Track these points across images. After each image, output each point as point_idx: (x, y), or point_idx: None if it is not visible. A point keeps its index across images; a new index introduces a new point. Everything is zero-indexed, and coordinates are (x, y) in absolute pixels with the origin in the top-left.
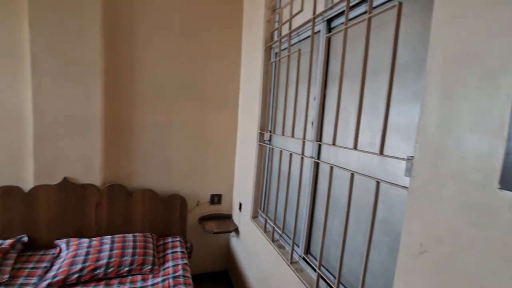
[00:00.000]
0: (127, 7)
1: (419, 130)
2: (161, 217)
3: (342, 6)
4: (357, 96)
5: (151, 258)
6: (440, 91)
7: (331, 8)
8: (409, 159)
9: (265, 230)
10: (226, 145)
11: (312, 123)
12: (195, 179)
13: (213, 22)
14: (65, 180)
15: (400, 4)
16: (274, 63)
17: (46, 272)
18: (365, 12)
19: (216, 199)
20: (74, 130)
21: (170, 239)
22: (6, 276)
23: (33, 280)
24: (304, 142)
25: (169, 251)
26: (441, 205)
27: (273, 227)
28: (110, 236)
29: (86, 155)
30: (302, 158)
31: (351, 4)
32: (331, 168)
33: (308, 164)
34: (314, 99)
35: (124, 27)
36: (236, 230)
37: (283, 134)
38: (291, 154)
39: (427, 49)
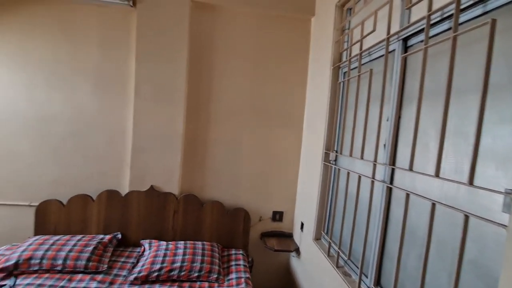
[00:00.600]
0: (208, 40)
1: None
2: (226, 228)
3: (421, 25)
4: (438, 118)
5: (217, 267)
6: None
7: (408, 27)
8: (509, 193)
9: (328, 254)
10: (290, 163)
11: (385, 145)
12: (259, 194)
13: (281, 47)
14: (152, 188)
15: (494, 21)
16: (342, 83)
17: (133, 267)
18: (448, 29)
19: (278, 216)
20: (161, 145)
21: (233, 251)
22: (105, 266)
23: (124, 272)
24: (375, 165)
25: (233, 263)
26: None
27: (338, 252)
28: (183, 242)
29: (169, 167)
30: (372, 181)
31: (431, 22)
32: (407, 195)
33: (379, 188)
34: (387, 120)
35: (205, 57)
36: (297, 250)
37: (351, 155)
38: (359, 177)
39: None
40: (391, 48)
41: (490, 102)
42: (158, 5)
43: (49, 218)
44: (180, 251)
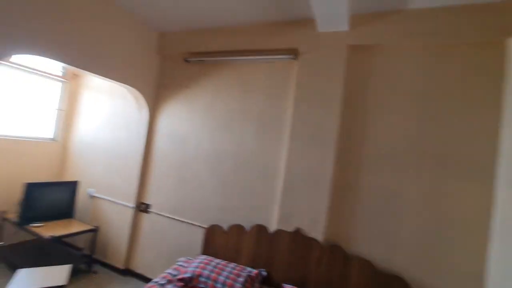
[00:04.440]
0: (364, 81)
1: None
2: None
3: None
4: None
5: None
6: None
7: None
8: None
9: None
10: (472, 227)
11: None
12: (424, 264)
13: (458, 79)
14: (297, 229)
15: None
16: None
17: None
18: None
19: None
20: (309, 187)
21: None
22: None
23: None
24: None
25: None
26: None
27: None
28: None
29: (315, 210)
30: None
31: None
32: None
33: None
34: None
35: (360, 98)
36: None
37: None
38: None
39: None
40: None
41: None
42: (317, 54)
43: (213, 240)
44: None
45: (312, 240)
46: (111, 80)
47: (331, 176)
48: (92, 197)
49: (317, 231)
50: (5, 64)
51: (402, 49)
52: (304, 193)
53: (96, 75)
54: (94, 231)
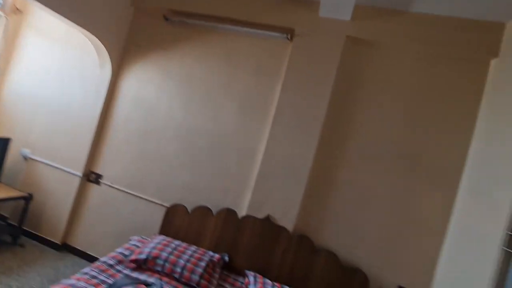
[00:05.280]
0: (357, 76)
1: None
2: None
3: None
4: None
5: None
6: None
7: None
8: None
9: None
10: (430, 229)
11: None
12: (383, 259)
13: (443, 91)
14: (267, 217)
15: None
16: None
17: None
18: None
19: None
20: (286, 175)
21: None
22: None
23: None
24: None
25: None
26: None
27: None
28: None
29: (288, 199)
30: None
31: None
32: None
33: None
34: None
35: (351, 93)
36: None
37: None
38: None
39: None
40: None
41: None
42: (313, 39)
43: (174, 220)
44: None
45: (282, 229)
46: (70, 22)
47: (311, 166)
48: (27, 159)
49: (288, 221)
50: None
51: (397, 50)
52: (280, 181)
53: (51, 11)
54: (26, 199)
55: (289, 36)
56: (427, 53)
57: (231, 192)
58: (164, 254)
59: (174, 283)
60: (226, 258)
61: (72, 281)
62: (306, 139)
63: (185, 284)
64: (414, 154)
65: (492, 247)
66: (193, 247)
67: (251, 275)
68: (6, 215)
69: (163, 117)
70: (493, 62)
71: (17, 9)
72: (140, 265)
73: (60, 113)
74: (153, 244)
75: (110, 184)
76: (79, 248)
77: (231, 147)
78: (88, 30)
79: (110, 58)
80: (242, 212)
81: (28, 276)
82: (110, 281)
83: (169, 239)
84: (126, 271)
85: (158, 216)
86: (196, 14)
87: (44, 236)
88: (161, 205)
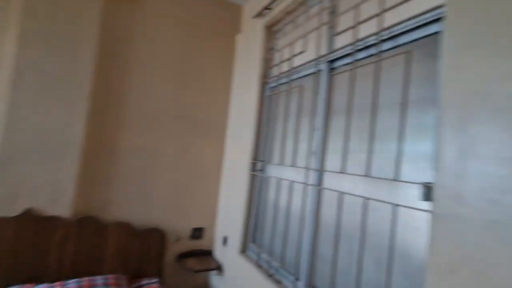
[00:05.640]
0: (126, 37)
1: (438, 158)
2: (136, 254)
3: (346, 50)
4: (363, 128)
5: None
6: (456, 125)
7: (334, 51)
8: (427, 184)
9: (258, 265)
10: (211, 175)
11: (314, 152)
12: (176, 211)
13: (206, 56)
14: (27, 212)
15: (409, 52)
16: (269, 97)
17: None
18: (369, 56)
19: (197, 233)
20: (48, 154)
21: (145, 281)
22: None
23: None
24: (307, 170)
25: None
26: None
27: (268, 261)
28: (75, 280)
29: (57, 182)
30: (304, 186)
31: (357, 49)
32: (340, 195)
33: (310, 192)
34: (316, 130)
35: (121, 55)
36: (219, 267)
37: (280, 164)
38: (291, 183)
39: (430, 88)
40: (318, 68)
41: (401, 115)
42: None
43: None
44: None
45: (54, 219)
46: None
47: (82, 138)
48: None
49: (61, 207)
50: None
51: (162, 14)
52: (39, 163)
53: None
54: None
55: None
56: (188, 20)
57: None
58: None
59: None
60: None
61: None
62: (69, 108)
63: None
64: (190, 114)
65: (245, 172)
66: None
67: None
68: None
69: None
70: (238, 37)
71: None
72: None
73: None
74: None
75: None
76: None
77: None
78: None
79: None
80: None
81: None
82: None
83: None
84: None
85: None
86: None
87: None
88: None
